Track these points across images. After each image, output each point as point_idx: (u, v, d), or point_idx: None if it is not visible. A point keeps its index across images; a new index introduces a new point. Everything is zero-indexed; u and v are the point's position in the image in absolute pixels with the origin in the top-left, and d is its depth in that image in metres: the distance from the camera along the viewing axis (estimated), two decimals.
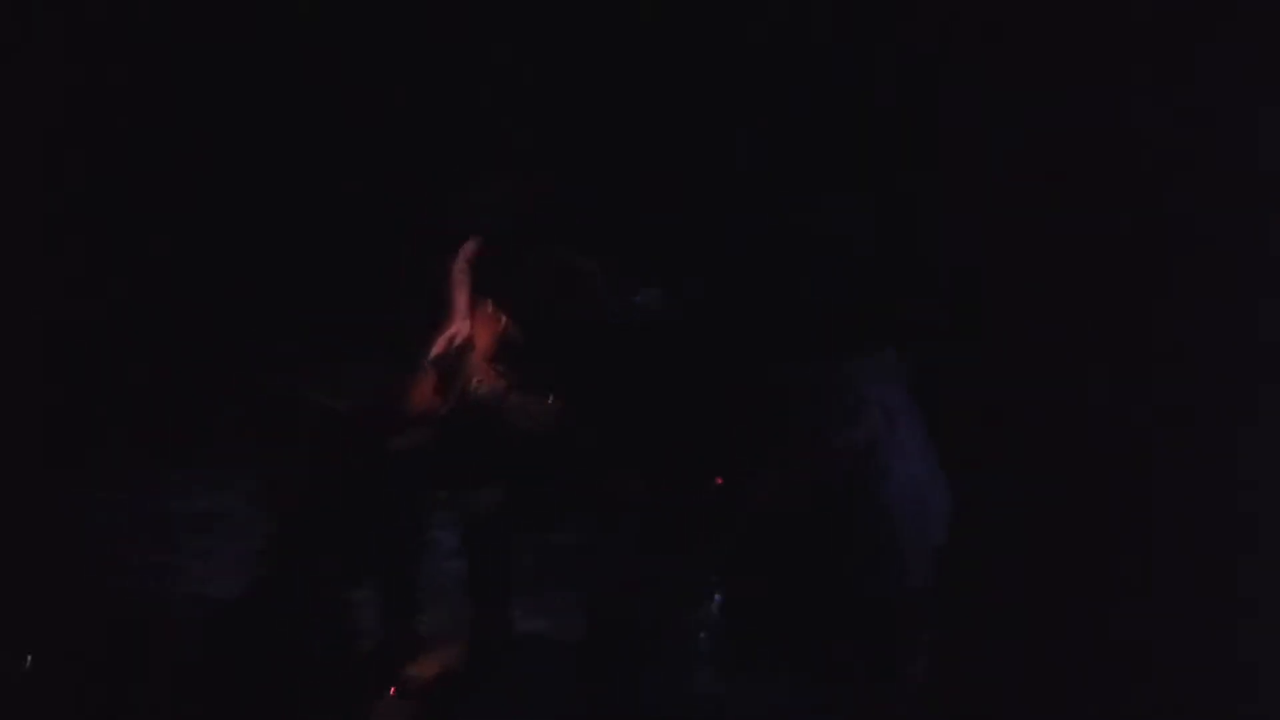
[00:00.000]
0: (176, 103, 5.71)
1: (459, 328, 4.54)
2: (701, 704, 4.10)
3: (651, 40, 5.41)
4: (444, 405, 4.47)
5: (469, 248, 4.60)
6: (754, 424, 4.19)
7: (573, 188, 4.60)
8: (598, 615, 4.45)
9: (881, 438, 3.83)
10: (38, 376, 5.33)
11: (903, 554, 3.86)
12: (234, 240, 5.79)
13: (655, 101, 5.41)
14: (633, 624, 4.31)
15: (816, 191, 4.75)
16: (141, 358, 5.59)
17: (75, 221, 5.58)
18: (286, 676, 4.19)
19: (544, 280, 4.41)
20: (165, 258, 5.74)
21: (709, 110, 5.36)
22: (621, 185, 5.10)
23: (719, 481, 4.35)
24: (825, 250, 4.03)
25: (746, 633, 4.08)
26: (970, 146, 4.79)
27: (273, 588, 4.54)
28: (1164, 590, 4.34)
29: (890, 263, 4.14)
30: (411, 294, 4.90)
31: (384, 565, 4.46)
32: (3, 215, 5.40)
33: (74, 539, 4.91)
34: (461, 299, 4.57)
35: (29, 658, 4.16)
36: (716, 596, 4.14)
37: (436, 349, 4.52)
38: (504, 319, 4.46)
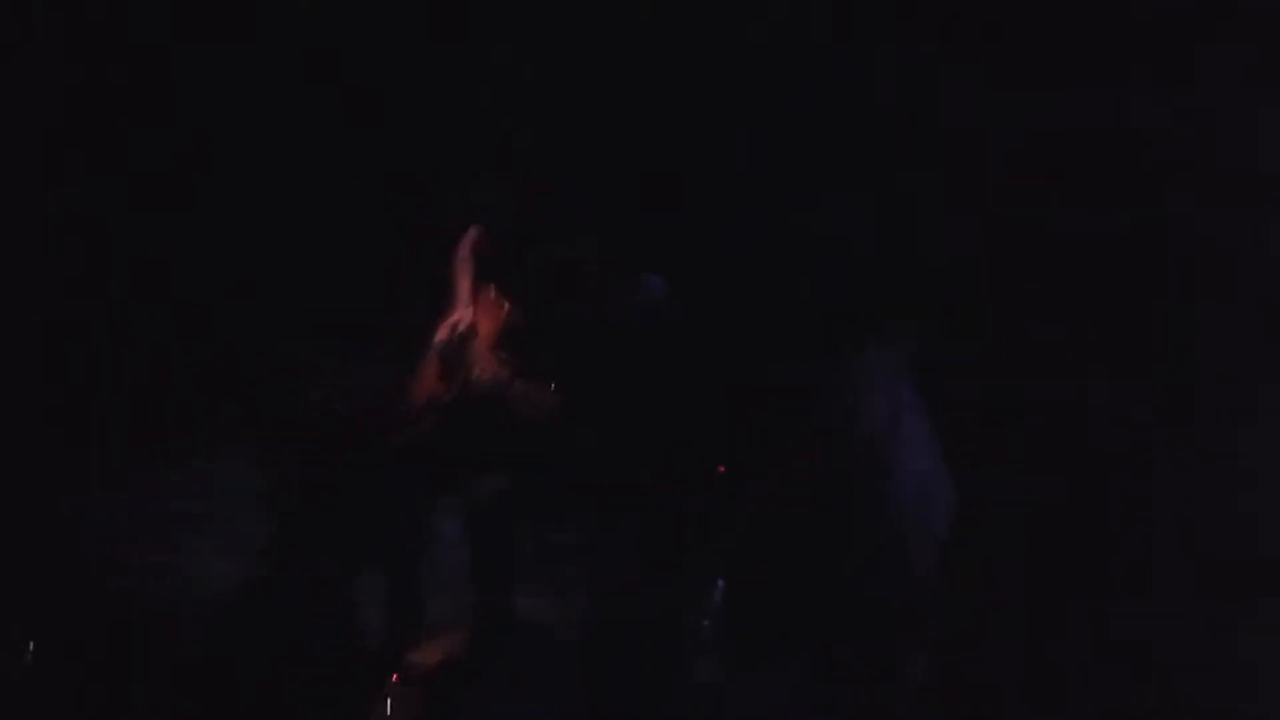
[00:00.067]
0: (176, 103, 5.71)
1: (461, 315, 4.49)
2: (704, 694, 4.09)
3: (651, 40, 5.40)
4: (447, 394, 4.44)
5: (472, 235, 4.56)
6: (754, 424, 4.18)
7: (573, 188, 4.59)
8: (600, 606, 4.46)
9: (883, 436, 3.82)
10: (38, 376, 5.32)
11: (904, 553, 3.86)
12: (234, 240, 5.78)
13: (655, 101, 5.40)
14: (635, 616, 4.31)
15: (816, 191, 4.75)
16: (141, 358, 5.58)
17: (75, 221, 5.58)
18: (288, 674, 4.19)
19: (544, 279, 4.40)
20: (165, 258, 5.73)
21: (709, 110, 5.35)
22: (621, 185, 5.09)
23: (721, 470, 4.32)
24: (825, 250, 4.03)
25: (747, 631, 4.08)
26: (970, 146, 4.79)
27: (273, 587, 4.54)
28: (1164, 590, 4.34)
29: (890, 262, 4.14)
30: (412, 294, 4.89)
31: (386, 556, 4.46)
32: (3, 215, 5.39)
33: (74, 539, 4.91)
34: (464, 286, 4.54)
35: (30, 646, 4.17)
36: (719, 583, 4.13)
37: (439, 336, 4.48)
38: (507, 306, 4.42)
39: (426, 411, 4.44)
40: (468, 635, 4.42)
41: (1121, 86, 4.52)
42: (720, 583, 4.13)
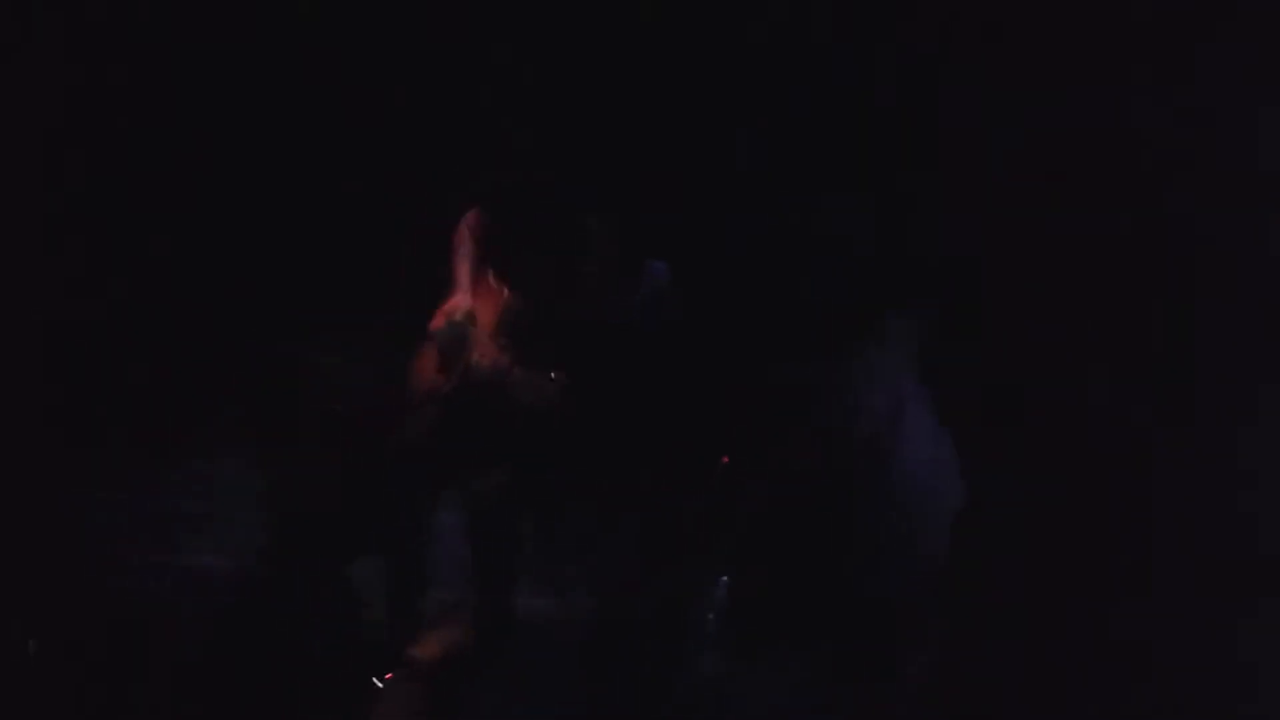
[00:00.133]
0: (176, 103, 5.70)
1: (460, 300, 4.41)
2: (704, 692, 4.09)
3: (651, 40, 5.40)
4: (446, 383, 4.38)
5: (471, 217, 4.50)
6: (754, 424, 4.18)
7: (573, 188, 4.59)
8: (600, 606, 4.46)
9: (884, 435, 3.82)
10: (38, 376, 5.32)
11: (905, 553, 3.86)
12: (234, 240, 5.78)
13: (655, 101, 5.40)
14: (636, 615, 4.31)
15: (816, 191, 4.75)
16: (141, 358, 5.58)
17: (75, 221, 5.57)
18: (288, 673, 4.19)
19: (544, 278, 4.39)
20: (165, 258, 5.73)
21: (709, 110, 5.35)
22: (621, 185, 5.09)
23: (725, 460, 4.30)
24: (825, 250, 4.03)
25: (747, 630, 4.08)
26: (970, 146, 4.79)
27: (273, 587, 4.54)
28: (1164, 590, 4.34)
29: (890, 262, 4.14)
30: (412, 294, 4.89)
31: (386, 554, 4.45)
32: (3, 215, 5.39)
33: (74, 539, 4.91)
34: (463, 270, 4.46)
35: (32, 642, 4.17)
36: (723, 579, 4.12)
37: (436, 322, 4.39)
38: (506, 292, 4.36)
39: (425, 401, 4.38)
40: (468, 633, 4.42)
41: (1121, 86, 4.52)
42: (724, 579, 4.12)
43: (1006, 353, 4.57)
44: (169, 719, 4.13)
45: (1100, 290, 4.56)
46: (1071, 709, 4.24)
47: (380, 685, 4.24)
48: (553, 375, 4.24)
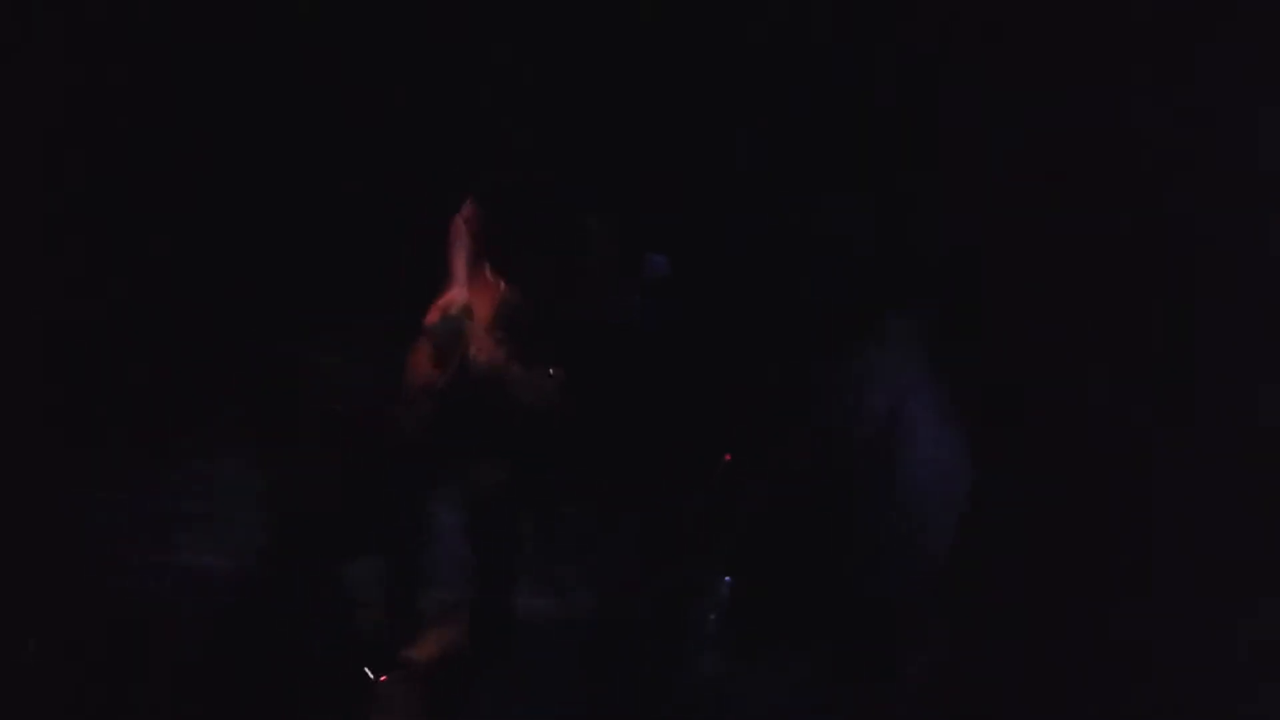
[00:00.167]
0: (176, 103, 5.71)
1: (456, 293, 4.37)
2: (705, 692, 4.10)
3: (651, 40, 5.40)
4: (442, 378, 4.33)
5: (467, 210, 4.46)
6: (754, 424, 4.18)
7: (573, 187, 4.59)
8: (601, 606, 4.46)
9: (885, 435, 3.82)
10: (38, 376, 5.32)
11: (906, 553, 3.86)
12: (234, 240, 5.78)
13: (655, 101, 5.40)
14: (636, 615, 4.31)
15: (816, 191, 4.75)
16: (141, 358, 5.58)
17: (75, 221, 5.57)
18: (288, 673, 4.19)
19: (544, 277, 4.38)
20: (165, 258, 5.74)
21: (709, 110, 5.35)
22: (621, 185, 5.09)
23: (728, 458, 4.30)
24: (825, 250, 4.03)
25: (747, 630, 4.08)
26: (970, 146, 4.79)
27: (273, 587, 4.54)
28: (1164, 590, 4.34)
29: (890, 262, 4.14)
30: (412, 294, 4.89)
31: (386, 554, 4.45)
32: (3, 215, 5.39)
33: (74, 539, 4.91)
34: (459, 264, 4.42)
35: (31, 642, 4.17)
36: (726, 579, 4.12)
37: (431, 316, 4.35)
38: (503, 286, 4.33)
39: (420, 395, 4.34)
40: (468, 633, 4.42)
41: (1121, 86, 4.51)
42: (727, 579, 4.12)
43: (1006, 352, 4.56)
44: (169, 719, 4.13)
45: (1100, 290, 4.55)
46: (1071, 709, 4.24)
47: (378, 683, 4.24)
48: (551, 372, 4.21)
